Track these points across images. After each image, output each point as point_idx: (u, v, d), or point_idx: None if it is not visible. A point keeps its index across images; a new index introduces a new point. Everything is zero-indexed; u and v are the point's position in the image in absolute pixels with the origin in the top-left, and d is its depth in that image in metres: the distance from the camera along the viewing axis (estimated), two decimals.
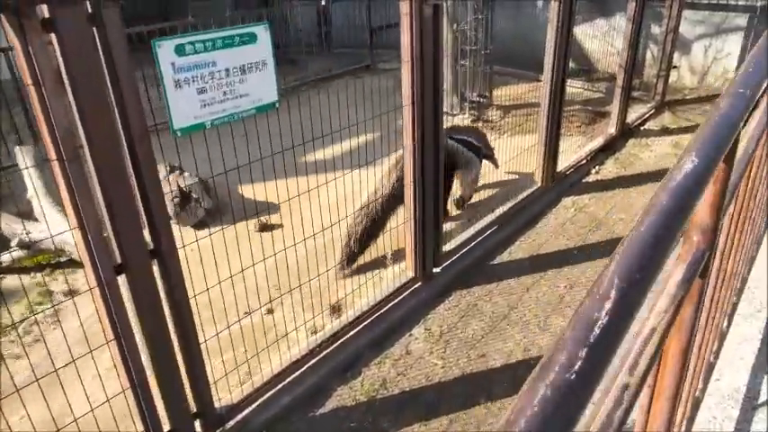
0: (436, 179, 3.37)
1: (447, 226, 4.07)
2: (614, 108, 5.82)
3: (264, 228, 4.46)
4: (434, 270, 3.68)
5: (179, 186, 4.43)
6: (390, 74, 8.69)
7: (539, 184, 4.72)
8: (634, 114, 6.48)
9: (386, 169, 4.01)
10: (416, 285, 3.58)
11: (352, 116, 2.92)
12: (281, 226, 4.42)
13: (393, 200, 3.89)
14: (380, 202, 3.88)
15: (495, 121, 6.65)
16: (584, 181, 5.15)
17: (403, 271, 3.60)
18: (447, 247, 3.83)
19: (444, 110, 6.67)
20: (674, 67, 7.92)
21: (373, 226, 3.89)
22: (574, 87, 7.86)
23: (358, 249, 3.87)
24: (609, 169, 5.37)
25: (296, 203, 2.76)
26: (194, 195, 4.47)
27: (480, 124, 6.50)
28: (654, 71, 7.00)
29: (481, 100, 6.92)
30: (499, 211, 4.36)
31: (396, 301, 3.50)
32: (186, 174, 4.57)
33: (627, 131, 6.08)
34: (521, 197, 4.54)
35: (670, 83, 7.79)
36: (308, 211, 2.90)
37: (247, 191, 4.30)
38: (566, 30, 4.23)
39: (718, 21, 7.39)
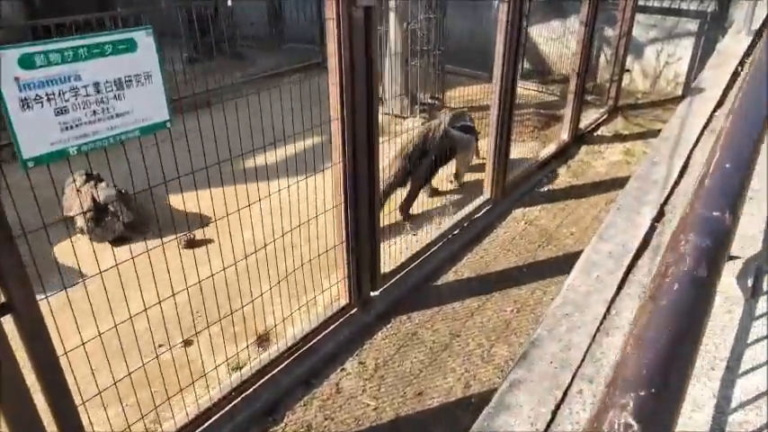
0: (371, 196, 3.08)
1: (388, 244, 3.78)
2: (567, 114, 5.66)
3: (192, 244, 4.07)
4: (372, 294, 3.40)
5: (93, 199, 3.99)
6: None
7: (488, 196, 4.49)
8: (587, 120, 6.35)
9: (392, 156, 4.33)
10: (352, 312, 3.29)
11: (297, 120, 2.62)
12: (210, 242, 4.05)
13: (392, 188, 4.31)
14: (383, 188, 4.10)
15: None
16: (535, 190, 4.95)
17: (336, 299, 3.29)
18: (387, 268, 3.55)
19: (394, 112, 6.41)
20: (627, 70, 7.87)
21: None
22: (528, 89, 7.71)
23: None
24: (561, 178, 5.20)
25: (230, 215, 2.45)
26: (111, 209, 4.03)
27: None
28: (608, 74, 6.89)
29: (433, 102, 6.66)
30: (445, 225, 4.11)
31: (329, 329, 3.20)
32: (103, 184, 4.13)
33: (579, 137, 5.94)
34: (468, 210, 4.30)
35: (623, 86, 7.73)
36: (245, 222, 2.57)
37: (178, 201, 3.91)
38: (516, 30, 3.98)
39: (670, 25, 7.35)
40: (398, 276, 3.60)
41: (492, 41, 3.82)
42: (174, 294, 2.37)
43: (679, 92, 7.48)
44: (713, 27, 7.04)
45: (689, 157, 2.82)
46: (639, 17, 7.48)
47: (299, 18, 9.47)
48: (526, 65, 8.46)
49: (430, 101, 6.61)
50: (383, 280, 3.44)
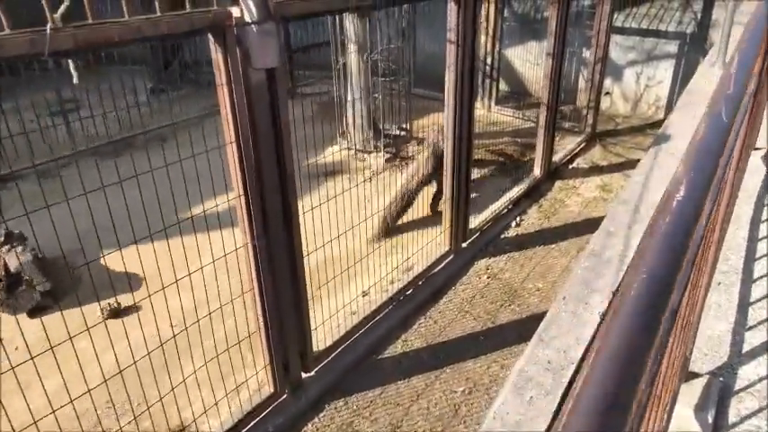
0: (294, 271, 2.71)
1: (327, 311, 3.40)
2: (539, 149, 5.31)
3: (115, 313, 3.70)
4: (304, 376, 3.01)
5: (5, 267, 3.62)
6: (311, 99, 8.03)
7: (447, 248, 4.12)
8: (563, 150, 6.00)
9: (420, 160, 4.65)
10: (280, 399, 2.90)
11: None
12: (137, 309, 3.66)
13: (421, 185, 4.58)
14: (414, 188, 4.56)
15: (414, 156, 6.05)
16: (502, 237, 4.58)
17: (263, 384, 2.91)
18: (327, 340, 3.17)
19: (357, 147, 6.06)
20: (607, 93, 7.55)
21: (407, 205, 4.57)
22: (503, 115, 7.38)
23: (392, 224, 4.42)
24: (531, 220, 4.84)
25: (165, 275, 2.22)
26: (26, 277, 3.65)
27: (397, 162, 5.89)
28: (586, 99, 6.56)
29: (400, 133, 6.32)
30: (396, 286, 3.73)
31: (255, 421, 2.81)
32: (20, 248, 3.76)
33: (554, 171, 5.59)
34: (425, 266, 3.92)
35: (603, 110, 7.42)
36: (181, 284, 2.24)
37: (115, 258, 3.53)
38: (469, 54, 3.59)
39: (649, 47, 7.04)
40: (338, 351, 3.22)
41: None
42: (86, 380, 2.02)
43: (660, 115, 7.16)
44: (693, 49, 6.73)
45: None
46: (617, 38, 7.18)
47: None
48: (503, 87, 8.16)
49: (396, 132, 6.26)
50: (316, 360, 3.06)
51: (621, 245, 2.37)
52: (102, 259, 3.40)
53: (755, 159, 2.83)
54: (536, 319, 3.58)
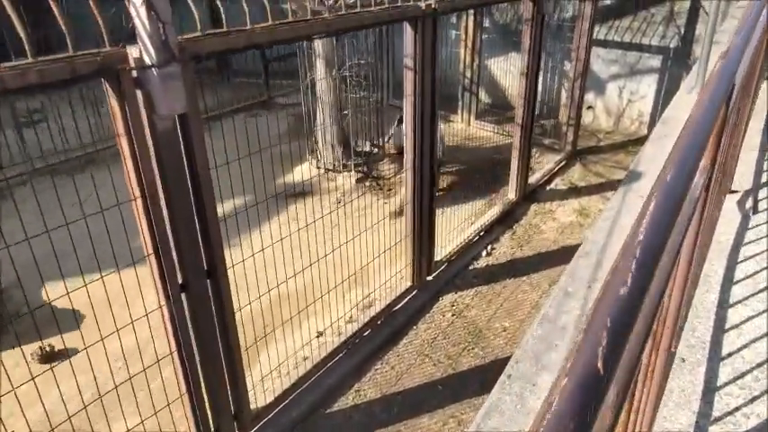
0: (223, 325, 2.45)
1: (277, 357, 3.14)
2: (513, 170, 5.08)
3: (49, 357, 3.42)
4: None
5: None
6: (287, 111, 7.77)
7: (410, 283, 3.87)
8: (540, 172, 5.77)
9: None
10: None
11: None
12: (74, 352, 3.40)
13: None
14: None
15: (387, 176, 5.80)
16: (471, 267, 4.34)
17: None
18: (268, 396, 2.92)
19: (327, 167, 5.80)
20: (590, 107, 7.34)
21: None
22: (484, 130, 7.16)
23: None
24: (503, 249, 4.60)
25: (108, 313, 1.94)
26: None
27: (368, 183, 5.64)
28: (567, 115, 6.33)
29: (372, 150, 6.06)
30: (353, 326, 3.48)
31: None
32: None
33: (530, 193, 5.35)
34: (385, 303, 3.68)
35: (586, 124, 7.20)
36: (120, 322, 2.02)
37: (52, 292, 3.27)
38: (429, 74, 3.33)
39: (631, 61, 6.82)
40: (283, 405, 2.97)
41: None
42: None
43: (644, 131, 6.95)
44: (677, 64, 6.52)
45: None
46: (600, 51, 6.97)
47: (246, 54, 8.87)
48: (485, 99, 7.93)
49: (369, 149, 6.01)
50: (256, 418, 2.81)
51: (579, 309, 2.13)
52: (43, 293, 3.14)
53: (730, 204, 2.60)
54: (500, 364, 3.35)
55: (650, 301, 0.55)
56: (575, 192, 5.56)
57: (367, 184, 5.61)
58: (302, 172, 5.82)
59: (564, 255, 4.42)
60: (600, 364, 0.43)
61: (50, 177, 5.37)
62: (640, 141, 6.60)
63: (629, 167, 5.99)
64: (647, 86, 6.82)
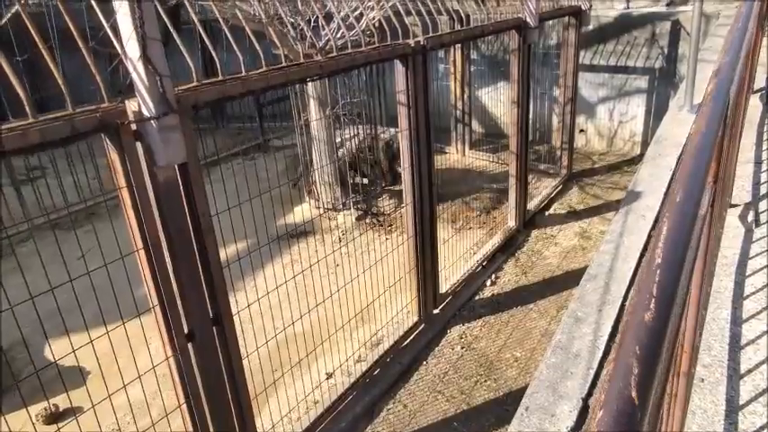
0: (231, 373, 2.40)
1: (287, 401, 3.07)
2: (511, 198, 5.09)
3: (54, 417, 3.34)
4: None
5: None
6: (283, 152, 7.84)
7: (416, 318, 3.83)
8: (538, 197, 5.80)
9: None
10: None
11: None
12: (80, 411, 3.32)
13: None
14: None
15: (387, 212, 5.81)
16: (477, 297, 4.30)
17: None
18: None
19: (326, 206, 5.82)
20: (581, 131, 7.43)
21: None
22: (479, 159, 7.22)
23: None
24: (508, 277, 4.57)
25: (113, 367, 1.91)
26: None
27: (368, 220, 5.64)
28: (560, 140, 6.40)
29: (371, 187, 6.09)
30: (362, 366, 3.42)
31: None
32: None
33: (530, 220, 5.36)
34: (392, 341, 3.62)
35: (579, 147, 7.28)
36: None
37: (63, 347, 3.22)
38: (422, 108, 3.37)
39: (619, 83, 6.95)
40: None
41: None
42: None
43: (637, 150, 7.02)
44: (663, 83, 6.64)
45: (622, 307, 2.22)
46: (587, 76, 7.10)
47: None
48: (478, 129, 8.03)
49: (368, 186, 6.04)
50: None
51: (591, 334, 2.10)
52: (47, 350, 3.09)
53: (731, 219, 2.60)
54: (515, 396, 3.28)
55: (672, 325, 0.53)
56: (574, 215, 5.57)
57: (367, 221, 5.61)
58: (302, 212, 5.83)
59: (569, 279, 4.40)
60: (634, 394, 0.42)
61: (52, 233, 5.37)
62: (635, 161, 6.66)
63: (626, 188, 6.02)
64: (636, 107, 6.92)
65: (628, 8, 6.96)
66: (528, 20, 4.52)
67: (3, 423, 3.20)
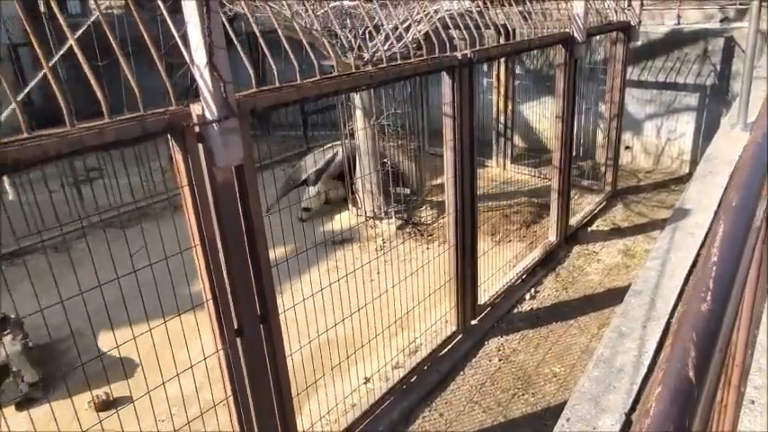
0: (275, 370, 2.48)
1: (326, 402, 3.13)
2: (553, 212, 5.05)
3: (105, 406, 3.50)
4: None
5: None
6: None
7: (454, 328, 3.84)
8: (580, 213, 5.72)
9: None
10: None
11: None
12: (129, 400, 3.46)
13: None
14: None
15: (427, 223, 5.85)
16: (515, 311, 4.28)
17: None
18: None
19: (368, 215, 5.90)
20: (627, 147, 7.30)
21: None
22: (520, 174, 7.18)
23: None
24: (547, 291, 4.52)
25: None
26: (13, 368, 3.52)
27: (408, 229, 5.69)
28: (605, 156, 6.31)
29: (412, 197, 6.15)
30: (399, 372, 3.46)
31: None
32: (9, 337, 3.64)
33: (571, 236, 5.29)
34: (430, 349, 3.64)
35: (624, 164, 7.15)
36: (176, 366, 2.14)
37: (106, 342, 3.40)
38: (467, 120, 3.41)
39: (668, 100, 6.81)
40: None
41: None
42: None
43: (685, 169, 6.84)
44: (714, 100, 6.47)
45: (668, 324, 2.18)
46: (634, 92, 6.99)
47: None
48: (520, 143, 7.99)
49: (409, 197, 6.10)
50: None
51: (636, 349, 2.08)
52: (97, 343, 3.26)
53: None
54: (553, 412, 3.25)
55: (726, 318, 0.56)
56: (618, 232, 5.47)
57: (407, 230, 5.66)
58: (343, 220, 5.94)
59: (611, 297, 4.32)
60: (691, 374, 0.45)
61: (109, 230, 5.65)
62: (682, 180, 6.50)
63: (673, 206, 5.88)
64: (686, 124, 6.76)
65: (679, 24, 6.83)
66: (575, 35, 4.51)
67: (56, 408, 3.37)
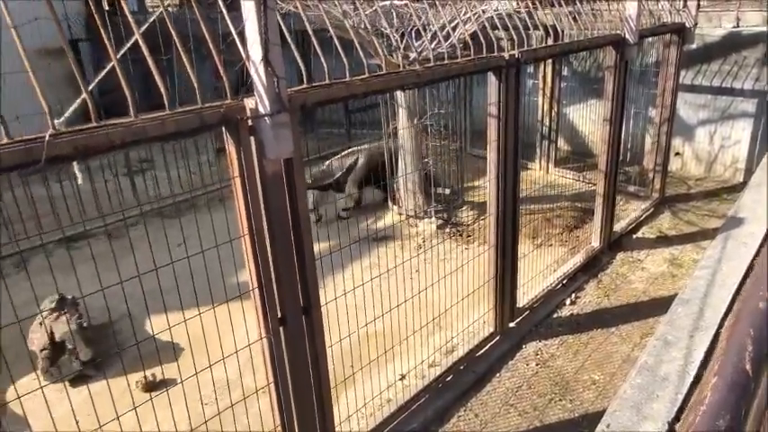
0: (315, 362, 2.54)
1: (363, 395, 3.18)
2: (597, 217, 4.95)
3: (151, 387, 3.65)
4: None
5: (50, 337, 3.69)
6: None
7: (492, 329, 3.82)
8: (625, 220, 5.58)
9: None
10: None
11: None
12: (172, 383, 3.61)
13: None
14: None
15: (466, 224, 5.83)
16: (555, 316, 4.22)
17: None
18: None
19: (408, 213, 5.93)
20: (677, 154, 7.07)
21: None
22: (563, 177, 7.06)
23: None
24: (588, 298, 4.44)
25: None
26: (69, 346, 3.71)
27: (448, 229, 5.69)
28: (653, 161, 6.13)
29: (454, 197, 6.14)
30: (435, 371, 3.47)
31: None
32: (65, 317, 3.84)
33: (615, 242, 5.17)
34: (467, 349, 3.64)
35: (673, 171, 6.93)
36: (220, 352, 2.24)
37: (156, 325, 3.56)
38: (512, 122, 3.40)
39: (722, 105, 6.56)
40: None
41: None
42: None
43: (740, 178, 6.58)
44: None
45: (717, 334, 2.12)
46: (687, 96, 6.77)
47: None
48: (564, 146, 7.85)
49: (450, 197, 6.09)
50: None
51: (682, 359, 2.03)
52: (148, 325, 3.40)
53: None
54: (591, 419, 3.20)
55: None
56: (664, 241, 5.31)
57: (447, 230, 5.65)
58: (384, 218, 5.98)
59: (656, 306, 4.21)
60: (748, 366, 0.46)
61: (158, 219, 5.88)
62: (736, 189, 6.25)
63: (725, 215, 5.66)
64: (741, 131, 6.50)
65: (737, 26, 6.57)
66: (627, 36, 4.41)
67: (107, 387, 3.54)
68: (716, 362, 0.48)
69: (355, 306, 3.07)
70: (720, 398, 0.42)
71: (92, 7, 1.73)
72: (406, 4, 4.31)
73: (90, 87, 1.61)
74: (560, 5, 4.34)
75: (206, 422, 2.40)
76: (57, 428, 1.98)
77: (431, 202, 5.86)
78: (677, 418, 1.88)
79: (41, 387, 2.09)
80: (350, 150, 6.22)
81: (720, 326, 2.22)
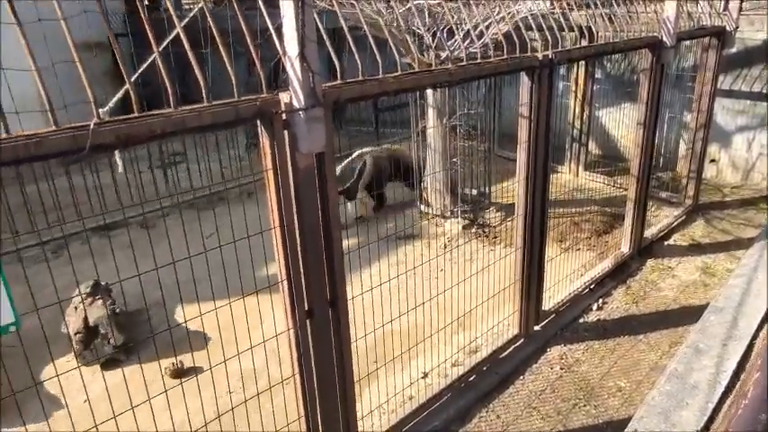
0: (340, 356, 2.56)
1: (386, 391, 3.20)
2: (627, 223, 4.87)
3: (178, 373, 3.73)
4: None
5: (85, 321, 3.81)
6: None
7: (517, 331, 3.80)
8: (657, 226, 5.47)
9: None
10: None
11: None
12: (199, 371, 3.68)
13: None
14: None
15: (492, 225, 5.80)
16: (581, 321, 4.17)
17: None
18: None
19: (435, 213, 5.92)
20: (712, 160, 6.90)
21: None
22: (593, 181, 6.95)
23: None
24: (616, 304, 4.37)
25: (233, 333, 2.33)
26: (102, 331, 3.82)
27: (474, 230, 5.66)
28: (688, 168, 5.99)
29: (480, 198, 6.11)
30: (458, 370, 3.46)
31: None
32: (100, 302, 3.95)
33: (645, 248, 5.08)
34: (491, 350, 3.62)
35: (708, 179, 6.76)
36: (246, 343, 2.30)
37: (190, 312, 3.64)
38: (544, 123, 3.37)
39: (762, 112, 6.36)
40: None
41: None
42: None
43: None
44: None
45: (751, 345, 2.06)
46: (724, 102, 6.60)
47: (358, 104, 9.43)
48: (594, 150, 7.73)
49: (477, 197, 6.06)
50: None
51: (713, 367, 1.99)
52: (178, 313, 3.45)
53: None
54: (616, 427, 3.15)
55: None
56: (697, 249, 5.19)
57: (473, 230, 5.63)
58: (411, 216, 5.99)
59: (686, 315, 4.12)
60: None
61: (192, 210, 6.01)
62: None
63: (762, 225, 5.51)
64: None
65: None
66: (664, 39, 4.33)
67: (137, 371, 3.64)
68: (757, 358, 0.48)
69: (381, 302, 3.09)
70: (763, 392, 0.42)
71: (136, 2, 1.78)
72: (439, 3, 4.31)
73: (132, 78, 1.66)
74: (595, 7, 4.28)
75: (232, 409, 2.45)
76: (92, 408, 2.05)
77: (457, 202, 5.84)
78: (707, 428, 1.84)
79: (78, 367, 2.16)
80: (357, 153, 6.17)
81: (755, 336, 2.17)
